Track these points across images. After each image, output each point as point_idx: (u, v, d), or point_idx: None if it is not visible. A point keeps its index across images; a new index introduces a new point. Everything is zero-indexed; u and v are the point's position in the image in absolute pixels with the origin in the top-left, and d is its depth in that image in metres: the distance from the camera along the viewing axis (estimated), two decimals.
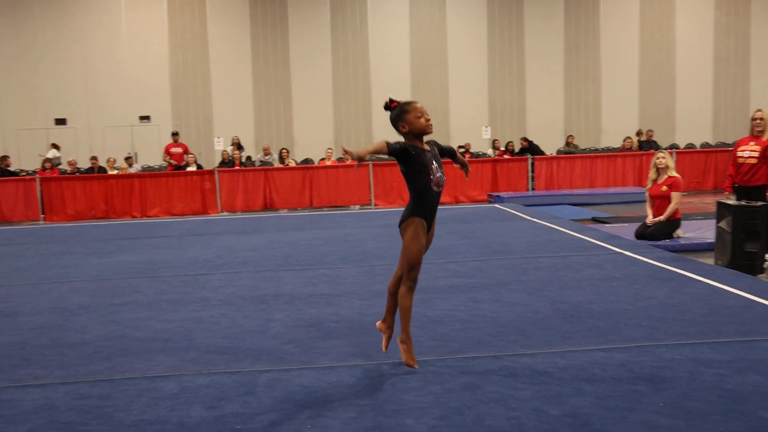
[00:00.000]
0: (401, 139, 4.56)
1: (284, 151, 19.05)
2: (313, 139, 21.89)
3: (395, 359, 4.85)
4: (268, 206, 17.23)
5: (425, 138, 4.60)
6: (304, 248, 10.16)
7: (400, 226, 4.61)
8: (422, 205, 4.57)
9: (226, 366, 4.86)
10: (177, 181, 17.07)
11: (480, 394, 4.16)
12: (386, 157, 21.25)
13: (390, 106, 4.58)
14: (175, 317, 6.33)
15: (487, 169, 17.63)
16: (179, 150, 18.70)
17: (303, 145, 22.00)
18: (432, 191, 4.55)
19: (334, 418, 3.88)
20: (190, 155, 18.45)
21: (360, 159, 4.18)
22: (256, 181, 17.26)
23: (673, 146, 20.54)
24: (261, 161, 19.30)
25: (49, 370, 4.89)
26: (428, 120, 4.52)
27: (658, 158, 10.11)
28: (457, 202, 17.05)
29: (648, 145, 19.86)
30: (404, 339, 4.63)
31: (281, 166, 18.34)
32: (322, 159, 19.78)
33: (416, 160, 4.48)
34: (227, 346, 5.37)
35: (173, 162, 18.49)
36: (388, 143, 4.35)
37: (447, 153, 4.85)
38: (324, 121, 22.17)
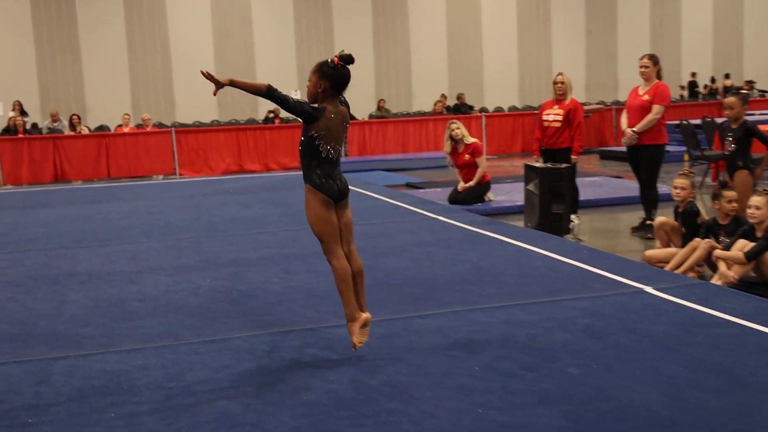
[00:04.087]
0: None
1: (75, 117, 18.05)
2: (108, 103, 20.82)
3: (206, 337, 4.76)
4: (59, 178, 16.29)
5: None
6: (101, 222, 9.71)
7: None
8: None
9: (15, 355, 4.56)
10: None
11: (296, 368, 4.17)
12: (206, 121, 20.23)
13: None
14: None
15: (298, 135, 17.39)
16: None
17: (97, 110, 20.89)
18: None
19: (141, 404, 3.75)
20: None
21: None
22: (44, 150, 16.22)
23: (483, 110, 21.40)
24: (49, 128, 18.20)
25: None
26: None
27: (452, 130, 10.47)
28: (268, 170, 16.89)
29: (464, 108, 20.67)
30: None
31: (72, 133, 17.38)
32: (119, 125, 18.92)
33: None
34: (15, 332, 5.05)
35: None
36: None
37: None
38: (119, 84, 21.13)
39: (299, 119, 4.25)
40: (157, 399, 3.80)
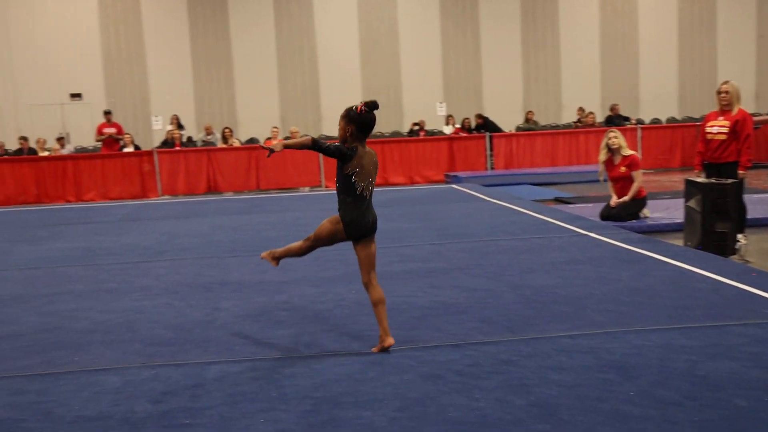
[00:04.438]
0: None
1: (227, 130, 18.88)
2: (258, 116, 21.65)
3: (352, 350, 4.87)
4: (211, 189, 17.08)
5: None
6: (251, 233, 10.11)
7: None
8: None
9: (172, 358, 4.83)
10: (113, 162, 16.85)
11: (441, 384, 4.20)
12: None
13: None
14: (115, 307, 6.27)
15: (444, 148, 17.67)
16: (113, 130, 18.35)
17: (247, 124, 21.78)
18: None
19: (289, 411, 3.88)
20: (126, 135, 18.19)
21: None
22: (199, 162, 17.09)
23: (639, 121, 20.79)
24: (203, 141, 19.10)
25: None
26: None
27: (609, 139, 10.24)
28: (413, 182, 17.06)
29: (618, 119, 20.10)
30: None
31: (224, 146, 18.18)
32: (268, 138, 19.61)
33: None
34: (172, 337, 5.34)
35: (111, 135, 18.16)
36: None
37: None
38: (269, 98, 21.96)
39: (342, 159, 4.72)
40: (304, 408, 3.92)
